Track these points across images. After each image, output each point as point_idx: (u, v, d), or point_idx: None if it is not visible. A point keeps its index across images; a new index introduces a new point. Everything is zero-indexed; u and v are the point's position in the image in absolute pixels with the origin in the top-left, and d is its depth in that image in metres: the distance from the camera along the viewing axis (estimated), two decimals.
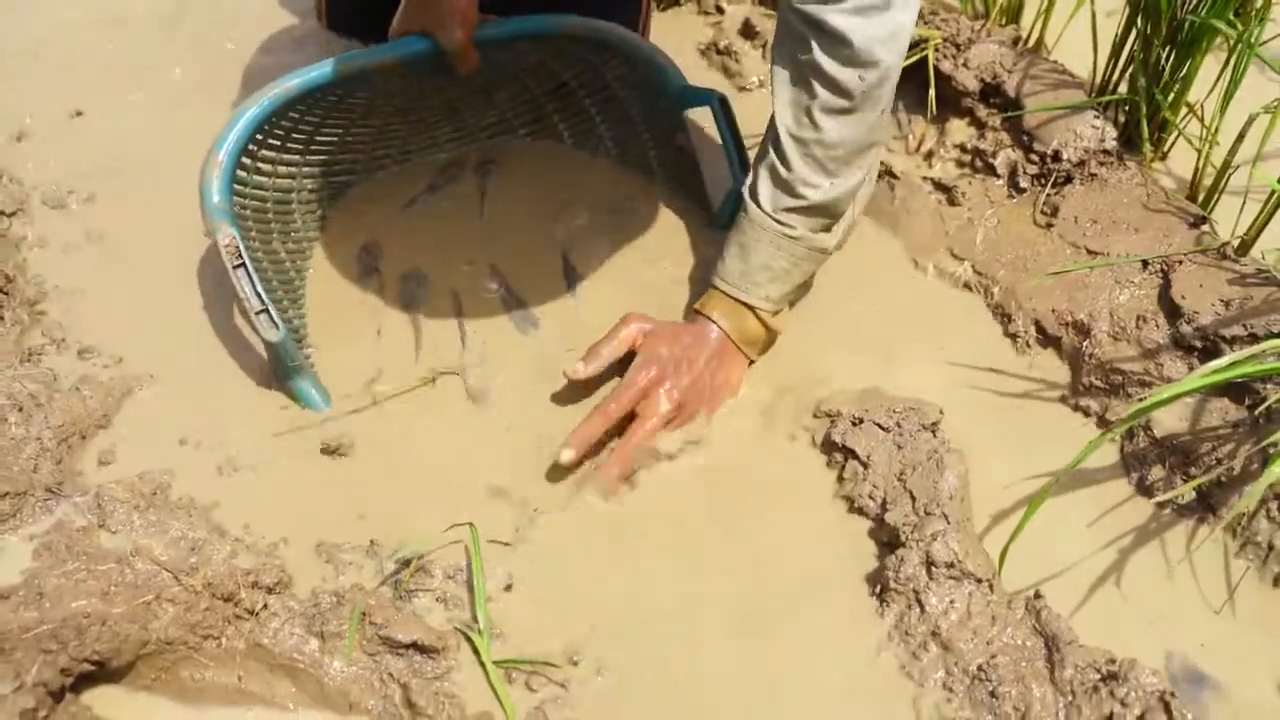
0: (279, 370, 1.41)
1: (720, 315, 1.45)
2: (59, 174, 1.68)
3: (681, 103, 1.65)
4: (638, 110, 1.71)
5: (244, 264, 1.33)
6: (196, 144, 1.71)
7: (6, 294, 1.47)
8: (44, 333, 1.46)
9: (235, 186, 1.41)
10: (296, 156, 1.56)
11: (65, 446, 1.33)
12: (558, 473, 1.36)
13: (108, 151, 1.72)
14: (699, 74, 1.91)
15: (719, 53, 1.91)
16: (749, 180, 1.46)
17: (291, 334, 1.39)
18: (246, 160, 1.45)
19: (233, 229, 1.35)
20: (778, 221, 1.42)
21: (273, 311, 1.33)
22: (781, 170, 1.40)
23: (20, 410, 1.33)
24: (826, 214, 1.44)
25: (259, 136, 1.45)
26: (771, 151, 1.41)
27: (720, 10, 2.00)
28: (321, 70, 1.45)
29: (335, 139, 1.61)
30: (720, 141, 1.63)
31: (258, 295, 1.33)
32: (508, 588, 1.25)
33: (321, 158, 1.61)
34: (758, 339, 1.47)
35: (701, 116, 1.69)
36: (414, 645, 1.17)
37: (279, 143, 1.52)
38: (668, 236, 1.67)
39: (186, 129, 1.75)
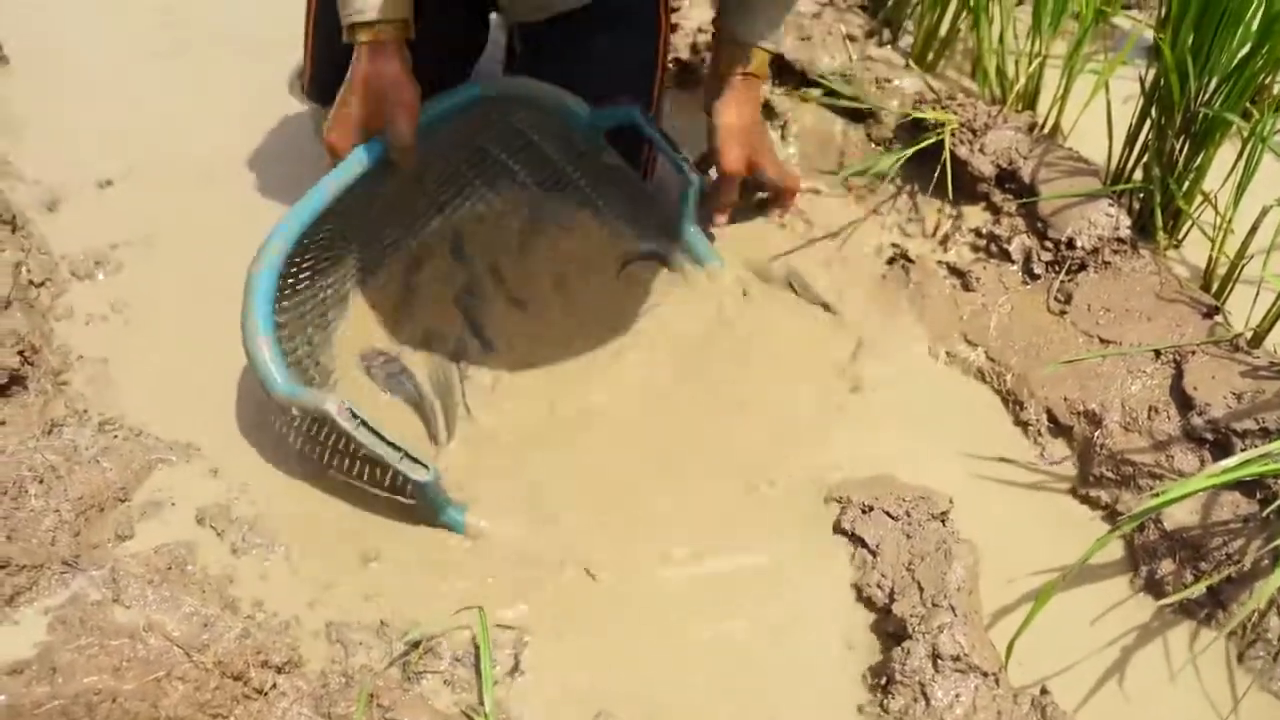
0: (430, 506, 1.38)
1: (764, 70, 1.70)
2: (88, 244, 1.71)
3: (597, 127, 1.68)
4: (554, 150, 1.73)
5: (363, 421, 1.31)
6: (221, 218, 1.76)
7: (32, 364, 1.49)
8: (67, 404, 1.48)
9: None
10: (305, 294, 1.54)
11: (83, 519, 1.35)
12: (567, 562, 1.37)
13: (135, 223, 1.76)
14: None
15: None
16: None
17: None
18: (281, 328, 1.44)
19: (334, 397, 1.32)
20: None
21: (413, 453, 1.32)
22: None
23: (40, 482, 1.35)
24: None
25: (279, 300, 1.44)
26: None
27: None
28: (296, 221, 1.44)
29: (312, 277, 1.56)
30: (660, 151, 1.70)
31: (391, 446, 1.31)
32: (515, 671, 1.26)
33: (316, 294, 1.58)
34: None
35: None
36: None
37: (290, 293, 1.50)
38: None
39: (212, 203, 1.80)
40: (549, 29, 1.68)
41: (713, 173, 1.75)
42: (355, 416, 1.31)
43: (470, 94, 1.62)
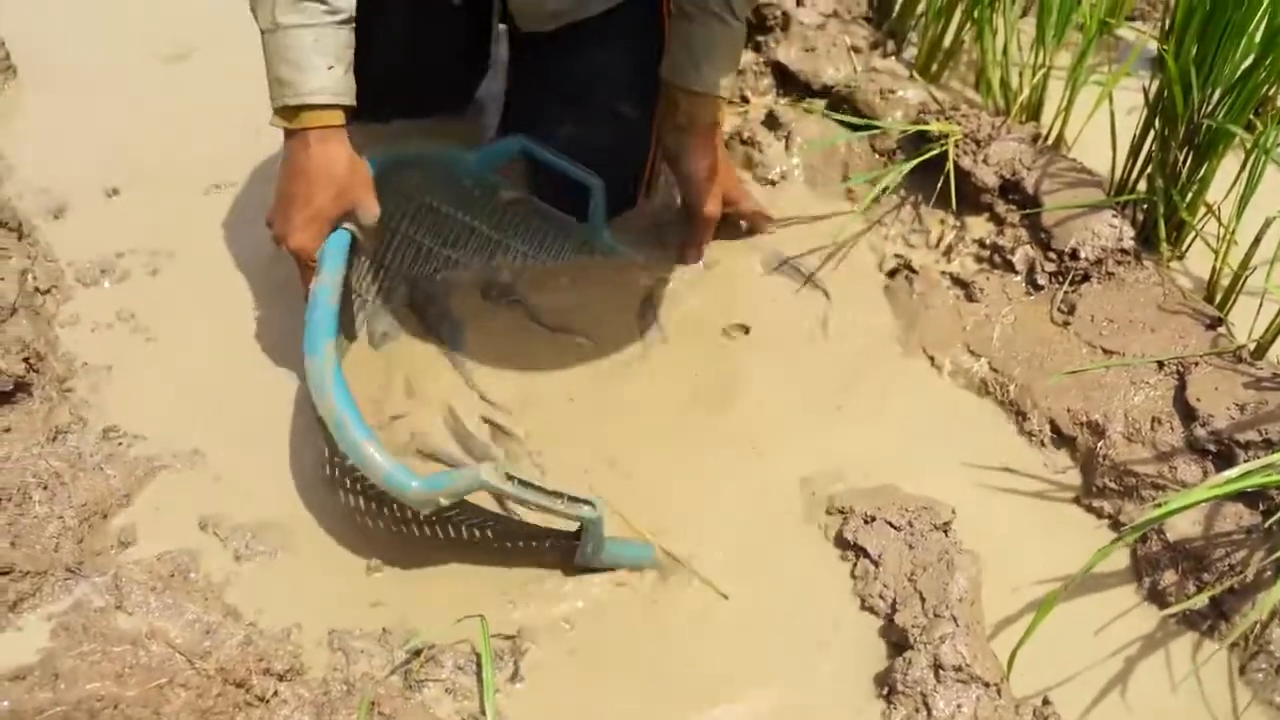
0: (598, 544, 1.33)
1: (722, 117, 1.69)
2: (94, 252, 1.72)
3: (487, 168, 1.67)
4: (448, 205, 1.68)
5: (515, 478, 1.24)
6: (228, 225, 1.77)
7: (37, 371, 1.50)
8: (71, 410, 1.48)
9: None
10: None
11: (87, 526, 1.35)
12: (567, 568, 1.37)
13: (142, 230, 1.76)
14: None
15: (743, 143, 1.93)
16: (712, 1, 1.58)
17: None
18: None
19: (485, 463, 1.25)
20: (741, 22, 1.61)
21: (573, 493, 1.27)
22: None
23: (45, 489, 1.36)
24: None
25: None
26: None
27: (745, 100, 2.03)
28: (321, 341, 1.34)
29: None
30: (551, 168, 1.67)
31: (553, 494, 1.26)
32: (516, 679, 1.26)
33: None
34: None
35: None
36: None
37: None
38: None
39: (218, 210, 1.81)
40: (551, 40, 1.68)
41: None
42: (511, 476, 1.24)
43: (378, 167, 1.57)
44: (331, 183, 1.39)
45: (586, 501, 1.27)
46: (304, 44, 1.35)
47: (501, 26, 1.86)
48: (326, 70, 1.36)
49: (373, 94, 1.46)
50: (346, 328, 1.55)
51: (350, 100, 1.40)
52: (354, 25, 1.40)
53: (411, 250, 1.67)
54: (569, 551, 1.34)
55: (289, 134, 1.40)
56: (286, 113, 1.38)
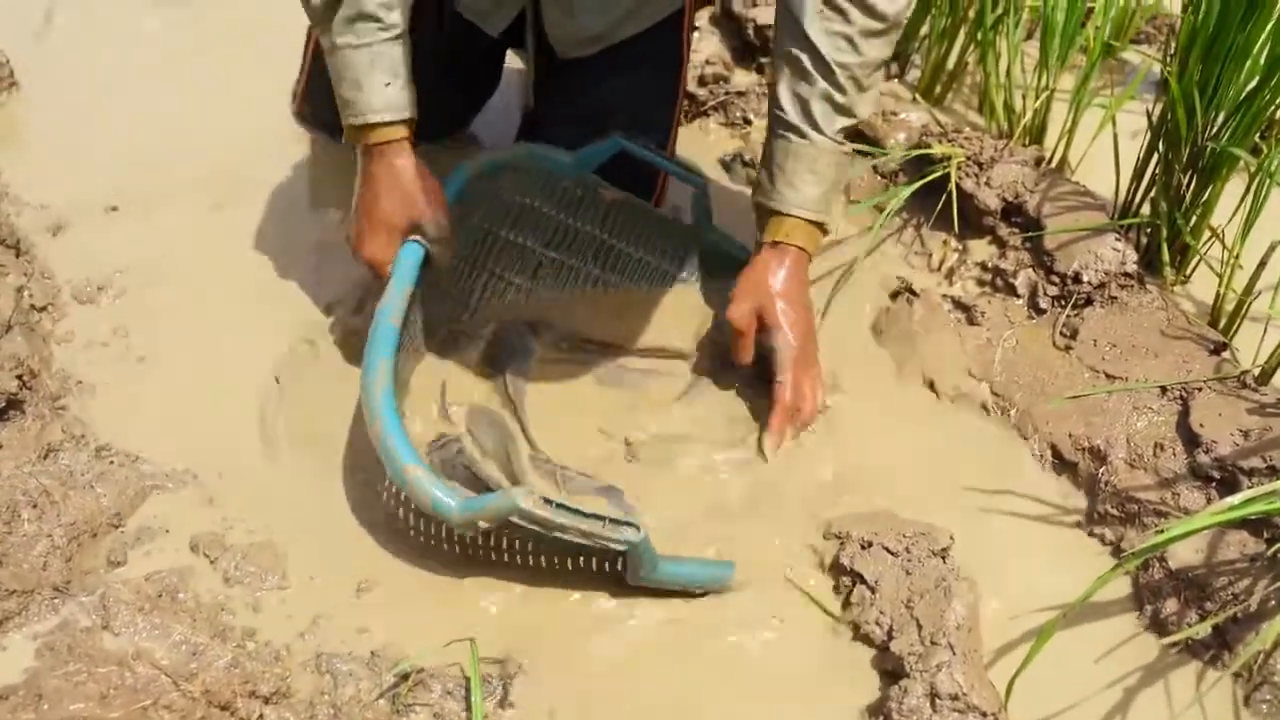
0: (650, 564, 1.30)
1: (804, 240, 1.54)
2: (91, 269, 1.71)
3: (585, 167, 1.66)
4: (550, 206, 1.68)
5: (552, 503, 1.22)
6: (226, 244, 1.76)
7: (30, 389, 1.49)
8: (64, 428, 1.47)
9: None
10: None
11: (76, 545, 1.34)
12: (559, 594, 1.36)
13: (139, 248, 1.75)
14: (723, 185, 1.93)
15: (744, 164, 1.93)
16: (788, 111, 1.50)
17: None
18: None
19: (519, 488, 1.23)
20: (838, 142, 1.52)
21: (616, 516, 1.25)
22: (837, 96, 1.48)
23: (34, 507, 1.35)
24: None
25: None
26: (818, 80, 1.47)
27: (747, 123, 2.03)
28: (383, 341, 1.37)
29: None
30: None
31: (592, 516, 1.23)
32: (505, 704, 1.24)
33: None
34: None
35: None
36: None
37: None
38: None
39: (217, 229, 1.80)
40: (577, 64, 1.69)
41: None
42: (549, 502, 1.22)
43: (461, 178, 1.58)
44: (396, 193, 1.44)
45: (630, 523, 1.25)
46: (361, 63, 1.41)
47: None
48: (384, 88, 1.41)
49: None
50: (415, 342, 1.54)
51: (410, 113, 1.44)
52: (408, 38, 1.44)
53: (515, 254, 1.68)
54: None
55: (361, 149, 1.46)
56: (353, 131, 1.44)
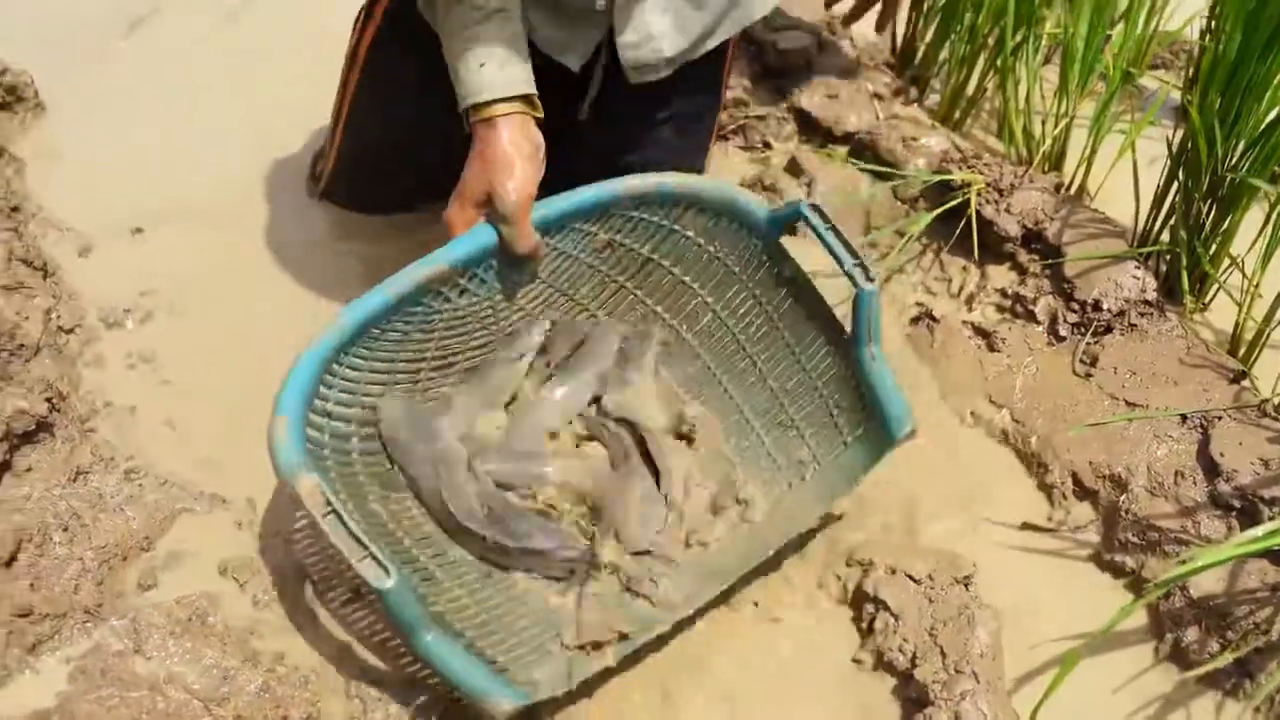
0: (407, 628, 1.18)
1: None
2: (118, 292, 1.72)
3: (774, 230, 1.46)
4: (734, 260, 1.51)
5: (334, 510, 1.14)
6: (253, 267, 1.77)
7: (59, 411, 1.50)
8: (93, 451, 1.48)
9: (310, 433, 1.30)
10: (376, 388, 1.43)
11: (106, 568, 1.35)
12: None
13: (166, 271, 1.76)
14: None
15: (764, 189, 1.93)
16: None
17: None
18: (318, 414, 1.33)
19: (313, 475, 1.18)
20: None
21: (379, 554, 1.13)
22: None
23: (65, 530, 1.36)
24: None
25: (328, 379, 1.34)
26: None
27: (768, 146, 2.03)
28: (373, 302, 1.35)
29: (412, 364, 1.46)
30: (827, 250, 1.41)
31: (355, 540, 1.13)
32: None
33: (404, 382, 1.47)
34: None
35: None
36: None
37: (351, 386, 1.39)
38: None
39: (244, 252, 1.81)
40: (629, 92, 1.63)
41: None
42: (328, 505, 1.15)
43: (613, 190, 1.46)
44: (477, 164, 1.39)
45: (387, 570, 1.13)
46: (457, 48, 1.40)
47: None
48: (479, 69, 1.38)
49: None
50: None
51: (508, 92, 1.38)
52: (507, 16, 1.41)
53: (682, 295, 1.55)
54: None
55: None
56: (465, 116, 1.41)
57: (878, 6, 2.01)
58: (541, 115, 1.41)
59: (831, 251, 1.38)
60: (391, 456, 1.42)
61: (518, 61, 1.41)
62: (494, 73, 1.38)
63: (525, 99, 1.39)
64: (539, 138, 1.40)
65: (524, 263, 1.46)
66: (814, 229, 1.40)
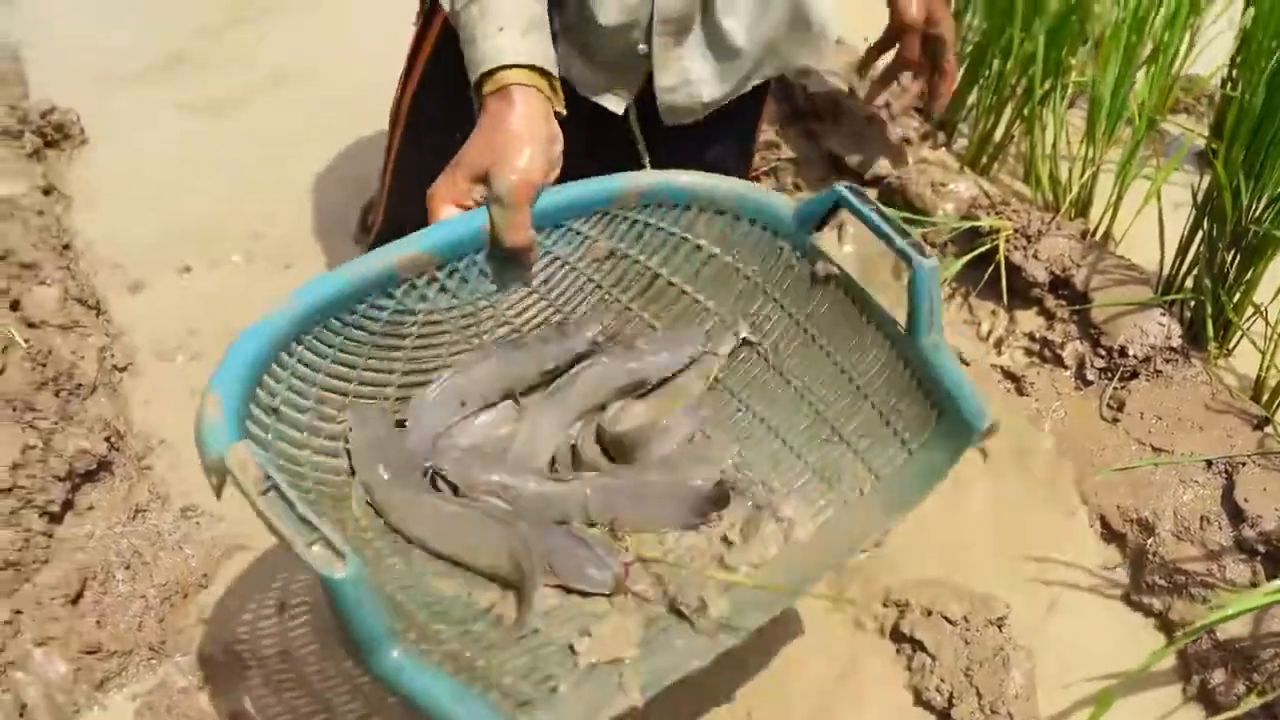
0: (357, 626, 0.92)
1: None
2: (168, 329, 1.77)
3: (804, 227, 1.29)
4: (757, 269, 1.34)
5: (273, 485, 0.92)
6: None
7: (118, 449, 1.55)
8: (150, 488, 1.53)
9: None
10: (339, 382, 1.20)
11: (168, 605, 1.40)
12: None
13: (215, 308, 1.81)
14: None
15: None
16: None
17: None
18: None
19: (249, 444, 0.96)
20: None
21: (331, 536, 0.89)
22: None
23: (127, 568, 1.41)
24: None
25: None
26: None
27: (798, 189, 2.08)
28: (321, 289, 1.15)
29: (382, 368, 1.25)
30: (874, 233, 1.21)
31: (304, 521, 0.90)
32: None
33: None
34: None
35: None
36: None
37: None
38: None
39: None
40: (669, 129, 1.60)
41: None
42: (267, 480, 0.92)
43: (614, 187, 1.29)
44: (481, 137, 1.20)
45: (341, 555, 0.89)
46: (471, 19, 1.23)
47: None
48: (497, 33, 1.21)
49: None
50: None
51: (520, 59, 1.20)
52: None
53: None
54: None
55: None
56: (477, 91, 1.23)
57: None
58: (563, 110, 1.23)
59: (879, 232, 1.20)
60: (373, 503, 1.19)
61: (541, 35, 1.24)
62: (514, 39, 1.21)
63: (545, 76, 1.22)
64: (557, 131, 1.22)
65: (514, 263, 1.26)
66: (857, 212, 1.22)
